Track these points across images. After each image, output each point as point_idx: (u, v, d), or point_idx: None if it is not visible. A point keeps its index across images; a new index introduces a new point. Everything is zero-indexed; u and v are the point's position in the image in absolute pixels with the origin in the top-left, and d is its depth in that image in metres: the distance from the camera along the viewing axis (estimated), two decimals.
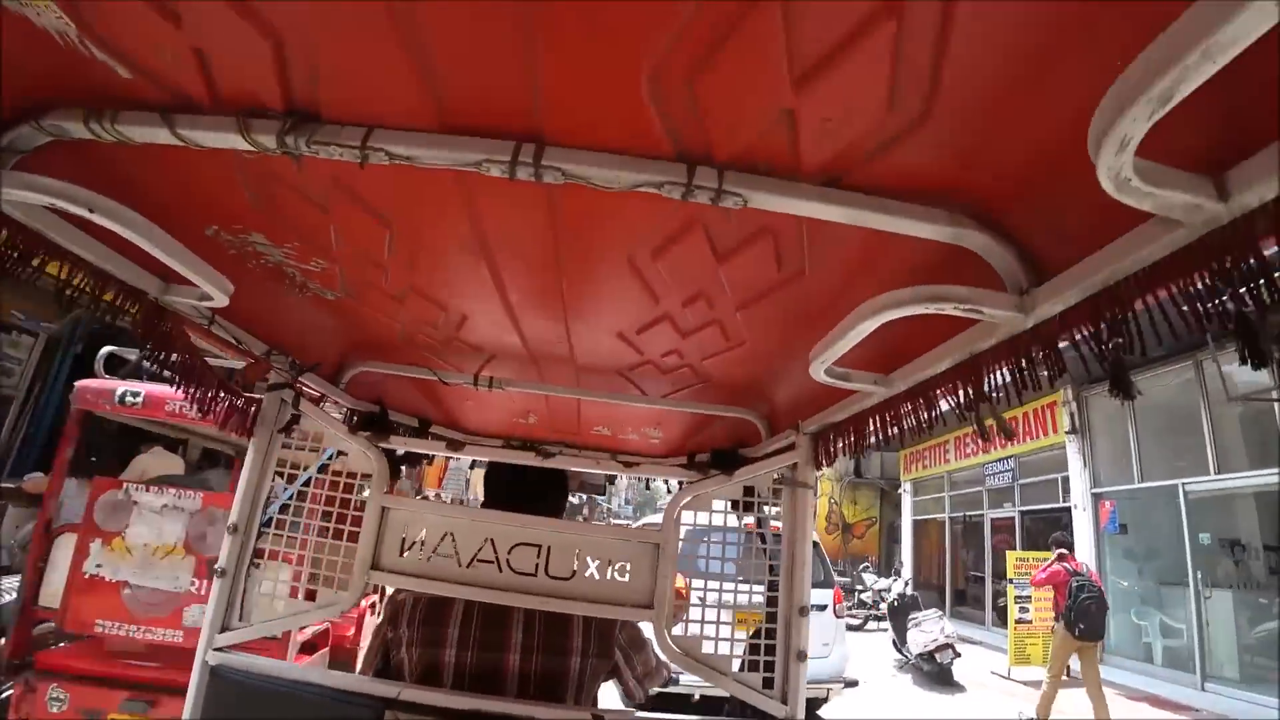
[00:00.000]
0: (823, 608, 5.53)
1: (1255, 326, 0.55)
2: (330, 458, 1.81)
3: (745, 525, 1.51)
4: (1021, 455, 12.17)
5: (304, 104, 0.70)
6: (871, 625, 13.28)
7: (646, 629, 1.50)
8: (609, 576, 1.39)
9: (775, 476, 1.45)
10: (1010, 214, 0.74)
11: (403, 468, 2.37)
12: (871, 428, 1.20)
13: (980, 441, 12.34)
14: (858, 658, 7.81)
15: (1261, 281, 0.51)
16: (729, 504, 1.49)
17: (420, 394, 2.12)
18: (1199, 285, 0.55)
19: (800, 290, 1.01)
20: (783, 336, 1.23)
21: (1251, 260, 0.50)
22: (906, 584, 11.19)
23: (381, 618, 1.65)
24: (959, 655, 8.68)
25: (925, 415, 1.05)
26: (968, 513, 14.19)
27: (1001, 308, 0.75)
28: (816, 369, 1.00)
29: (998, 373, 0.85)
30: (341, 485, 1.73)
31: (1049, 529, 9.09)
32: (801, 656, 1.36)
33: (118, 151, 0.78)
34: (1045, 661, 7.58)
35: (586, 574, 1.39)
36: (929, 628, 8.86)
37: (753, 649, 1.39)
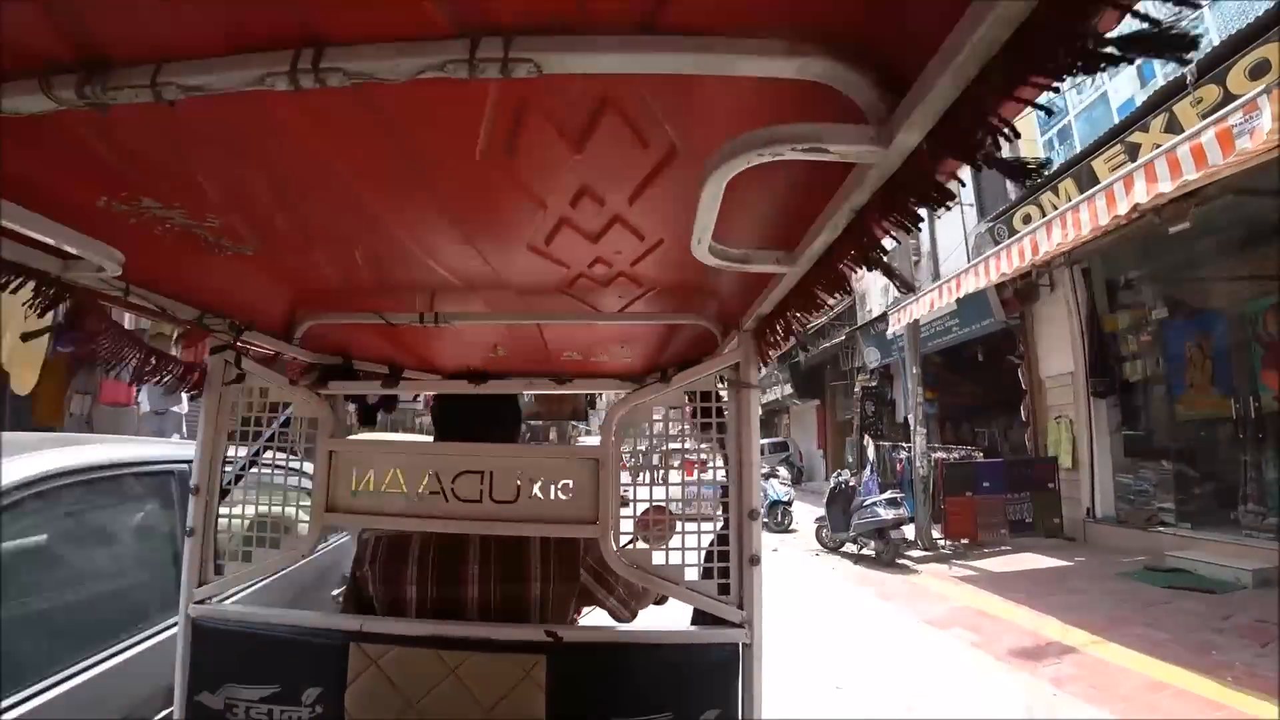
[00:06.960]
0: None
1: None
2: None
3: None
4: None
5: (92, 49, 0.66)
6: None
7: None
8: (552, 496, 1.36)
9: (720, 379, 1.38)
10: (854, 25, 0.60)
11: (379, 413, 2.39)
12: (793, 314, 1.12)
13: None
14: None
15: None
16: (669, 412, 1.44)
17: (384, 341, 2.09)
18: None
19: (682, 169, 0.91)
20: (690, 224, 1.14)
21: None
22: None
23: (353, 558, 1.67)
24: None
25: (835, 290, 0.96)
26: None
27: (851, 142, 0.63)
28: (701, 250, 0.92)
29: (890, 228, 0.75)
30: (303, 435, 1.75)
31: None
32: (755, 560, 1.32)
33: None
34: None
35: (530, 496, 1.36)
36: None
37: (706, 556, 1.35)
